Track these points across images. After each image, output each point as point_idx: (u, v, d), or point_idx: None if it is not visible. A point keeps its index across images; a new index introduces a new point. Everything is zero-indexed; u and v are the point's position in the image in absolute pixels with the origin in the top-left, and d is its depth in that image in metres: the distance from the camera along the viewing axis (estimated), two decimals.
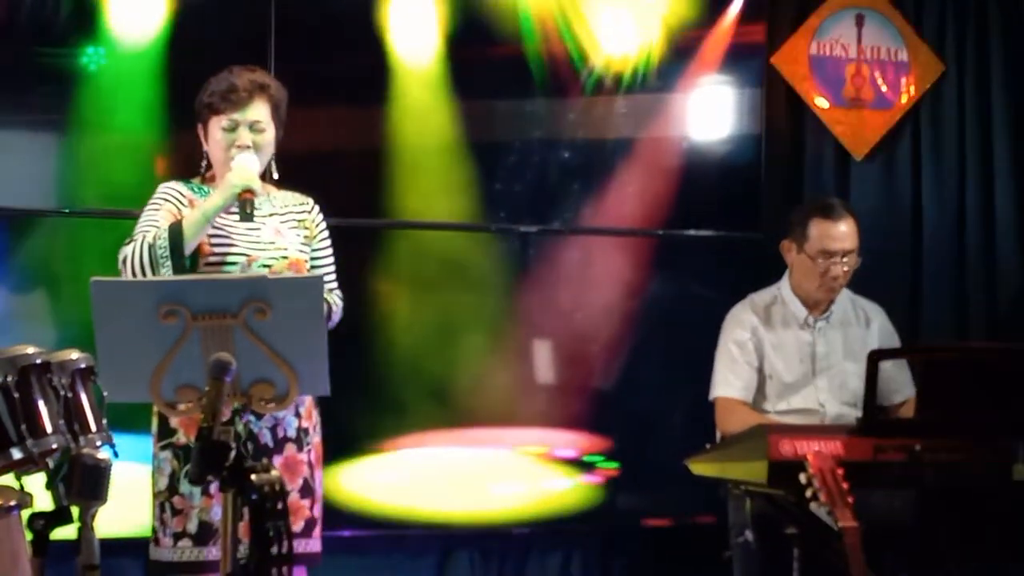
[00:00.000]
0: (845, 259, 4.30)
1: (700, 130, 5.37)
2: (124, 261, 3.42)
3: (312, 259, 3.66)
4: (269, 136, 3.61)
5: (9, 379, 2.93)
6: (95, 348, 2.90)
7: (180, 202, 3.58)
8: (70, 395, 3.09)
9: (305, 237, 3.66)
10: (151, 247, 3.38)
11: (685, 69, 5.29)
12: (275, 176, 3.66)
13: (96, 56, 4.69)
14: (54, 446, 2.99)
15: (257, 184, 3.49)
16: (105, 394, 3.13)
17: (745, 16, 5.31)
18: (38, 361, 3.02)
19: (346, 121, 5.02)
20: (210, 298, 2.79)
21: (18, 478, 3.03)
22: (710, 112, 5.35)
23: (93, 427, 3.15)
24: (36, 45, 4.65)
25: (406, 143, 5.01)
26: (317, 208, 3.74)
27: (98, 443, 3.13)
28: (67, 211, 4.68)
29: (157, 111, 4.71)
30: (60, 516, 3.02)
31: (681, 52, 5.27)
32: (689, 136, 5.37)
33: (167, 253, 3.37)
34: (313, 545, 3.57)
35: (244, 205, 3.44)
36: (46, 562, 3.01)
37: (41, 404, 2.99)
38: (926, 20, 5.49)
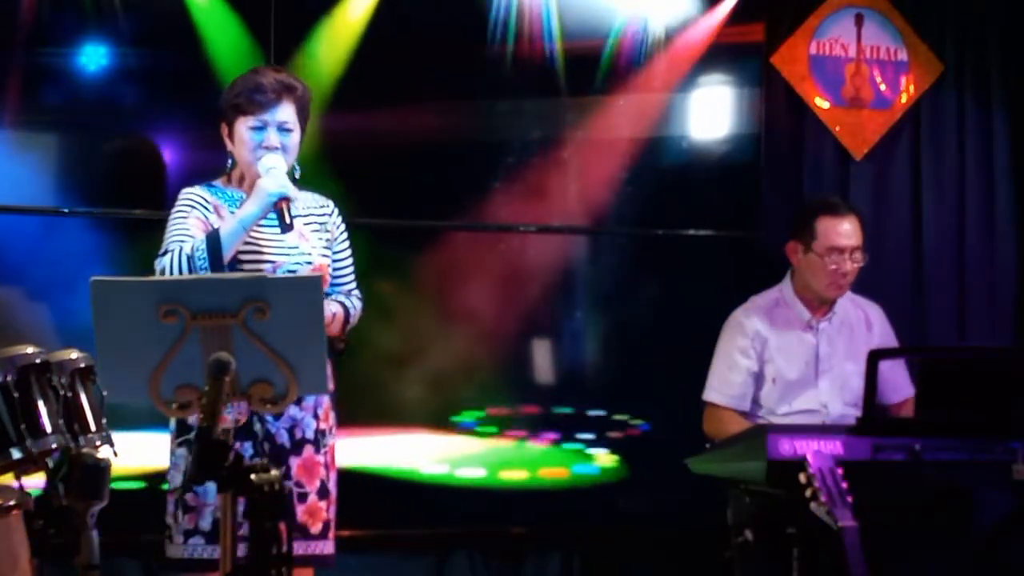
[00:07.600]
0: (854, 255, 4.32)
1: (699, 130, 5.37)
2: (163, 272, 3.39)
3: (333, 261, 3.64)
4: (296, 137, 3.57)
5: (8, 379, 2.93)
6: (95, 347, 2.90)
7: (206, 208, 3.54)
8: (70, 395, 3.09)
9: (327, 240, 3.64)
10: (190, 258, 3.36)
11: (684, 68, 5.29)
12: (297, 177, 3.58)
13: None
14: (53, 446, 2.99)
15: (292, 190, 3.45)
16: (104, 393, 3.13)
17: (744, 16, 5.30)
18: (37, 361, 3.02)
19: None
20: (209, 298, 2.79)
21: (17, 478, 3.03)
22: (709, 112, 5.34)
23: (93, 427, 3.16)
24: (38, 46, 4.65)
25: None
26: (337, 210, 3.72)
27: (97, 443, 3.13)
28: (66, 210, 4.68)
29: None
30: (59, 516, 3.02)
31: (679, 51, 5.26)
32: (688, 136, 5.37)
33: (206, 264, 3.35)
34: (328, 547, 3.56)
35: (282, 214, 3.41)
36: (45, 562, 3.02)
37: (40, 404, 2.99)
38: (925, 20, 5.48)
